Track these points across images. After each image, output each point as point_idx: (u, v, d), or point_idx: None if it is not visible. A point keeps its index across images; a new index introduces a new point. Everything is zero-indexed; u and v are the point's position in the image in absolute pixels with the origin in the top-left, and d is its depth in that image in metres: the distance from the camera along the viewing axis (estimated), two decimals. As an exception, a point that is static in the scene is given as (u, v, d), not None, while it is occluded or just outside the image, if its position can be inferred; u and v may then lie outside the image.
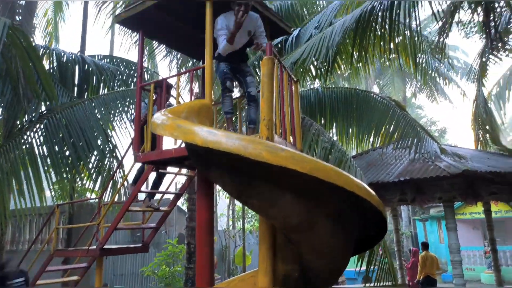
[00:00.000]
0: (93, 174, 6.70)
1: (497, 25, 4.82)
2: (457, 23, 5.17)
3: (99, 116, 6.73)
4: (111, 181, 6.34)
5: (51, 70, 7.78)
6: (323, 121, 7.63)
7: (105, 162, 6.68)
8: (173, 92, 4.68)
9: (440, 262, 11.46)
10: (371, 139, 7.40)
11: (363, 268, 7.46)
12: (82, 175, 6.81)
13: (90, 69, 7.87)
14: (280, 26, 4.54)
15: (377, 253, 5.57)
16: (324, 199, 2.46)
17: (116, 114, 7.18)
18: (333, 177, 2.27)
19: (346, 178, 2.35)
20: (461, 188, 6.26)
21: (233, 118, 4.90)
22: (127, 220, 7.52)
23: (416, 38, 5.93)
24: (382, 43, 5.83)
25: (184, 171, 5.18)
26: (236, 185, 2.54)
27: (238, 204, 16.28)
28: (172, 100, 4.95)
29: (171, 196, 5.47)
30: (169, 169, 4.81)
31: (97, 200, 5.92)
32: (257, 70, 6.94)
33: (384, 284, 7.37)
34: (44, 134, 6.20)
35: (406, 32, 5.72)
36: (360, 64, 6.85)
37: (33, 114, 6.44)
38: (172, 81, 4.93)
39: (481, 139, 7.87)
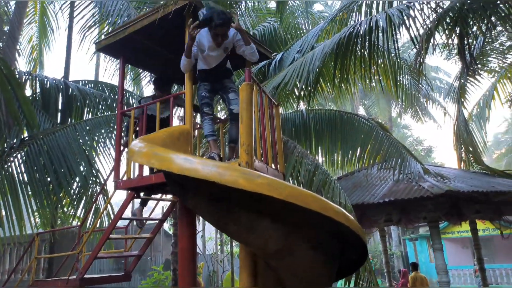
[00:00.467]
0: (75, 200, 6.57)
1: (471, 50, 4.97)
2: (433, 46, 5.31)
3: (81, 142, 6.65)
4: (93, 207, 6.22)
5: (35, 96, 7.73)
6: (308, 143, 7.66)
7: (88, 188, 6.58)
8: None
9: (431, 282, 11.39)
10: (356, 160, 7.44)
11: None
12: (64, 202, 6.67)
13: (74, 94, 7.83)
14: (261, 51, 4.61)
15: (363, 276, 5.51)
16: (302, 225, 2.44)
17: (100, 140, 7.12)
18: (310, 203, 2.26)
19: (323, 203, 2.34)
20: (445, 208, 6.30)
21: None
22: (111, 248, 7.37)
23: (395, 61, 6.08)
24: (363, 66, 5.94)
25: (167, 196, 5.12)
26: (213, 212, 2.51)
27: (226, 227, 15.92)
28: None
29: (155, 222, 5.38)
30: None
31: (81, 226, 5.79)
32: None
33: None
34: (25, 161, 6.09)
35: (385, 56, 5.86)
36: (343, 86, 6.95)
37: (14, 141, 6.35)
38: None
39: (464, 158, 7.98)
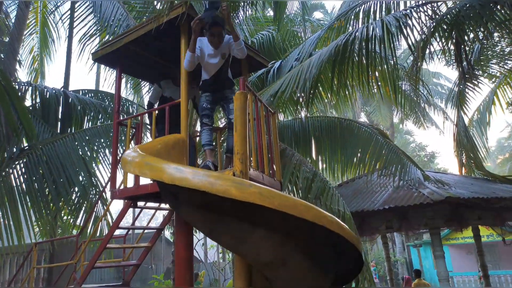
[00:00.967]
0: (74, 210, 6.57)
1: (469, 57, 4.95)
2: (431, 54, 5.30)
3: (81, 151, 6.67)
4: (92, 216, 6.22)
5: (35, 106, 7.77)
6: (307, 151, 7.64)
7: (87, 198, 6.58)
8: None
9: (434, 289, 11.28)
10: (356, 167, 7.41)
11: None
12: (63, 212, 6.68)
13: (73, 104, 7.86)
14: (258, 60, 4.62)
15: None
16: (295, 235, 2.41)
17: (99, 149, 7.14)
18: (302, 212, 2.24)
19: (316, 212, 2.32)
20: (445, 214, 6.25)
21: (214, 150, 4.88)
22: (111, 256, 7.35)
23: (393, 68, 6.08)
24: (361, 71, 5.94)
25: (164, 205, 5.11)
26: (205, 222, 2.49)
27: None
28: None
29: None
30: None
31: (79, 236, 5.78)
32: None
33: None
34: (24, 171, 6.11)
35: (383, 63, 5.86)
36: (342, 93, 6.95)
37: (14, 151, 6.37)
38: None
39: (465, 164, 7.93)
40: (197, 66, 3.68)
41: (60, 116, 7.90)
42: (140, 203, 4.48)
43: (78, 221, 6.63)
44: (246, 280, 2.82)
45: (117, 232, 5.07)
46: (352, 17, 6.54)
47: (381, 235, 9.39)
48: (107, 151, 7.13)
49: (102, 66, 11.84)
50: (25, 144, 6.70)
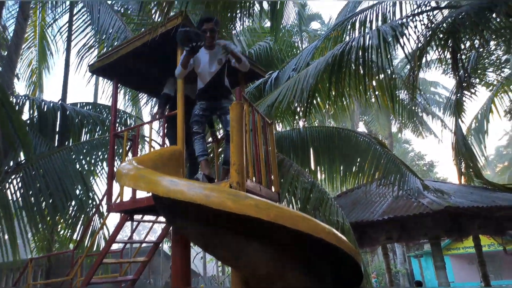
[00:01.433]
0: (71, 224, 6.50)
1: (465, 65, 4.96)
2: (427, 62, 5.31)
3: (78, 165, 6.62)
4: (89, 230, 6.15)
5: (32, 119, 7.75)
6: (306, 160, 7.61)
7: (84, 211, 6.51)
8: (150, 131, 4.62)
9: (437, 301, 11.14)
10: (355, 177, 7.37)
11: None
12: (60, 226, 6.61)
13: (71, 116, 7.85)
14: (255, 70, 4.62)
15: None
16: (292, 246, 2.36)
17: (97, 162, 7.10)
18: (298, 224, 2.19)
19: (313, 224, 2.27)
20: (445, 224, 6.19)
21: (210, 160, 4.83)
22: (108, 271, 7.24)
23: (391, 77, 6.08)
24: (357, 81, 5.94)
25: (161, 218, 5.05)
26: (201, 235, 2.45)
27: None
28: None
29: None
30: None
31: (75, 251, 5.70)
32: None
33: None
34: (20, 186, 6.05)
35: (380, 72, 5.87)
36: (339, 102, 6.94)
37: (11, 164, 6.33)
38: (146, 127, 4.90)
39: (464, 173, 7.89)
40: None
41: (57, 129, 7.87)
42: (138, 216, 4.42)
43: (75, 235, 6.56)
44: (243, 295, 2.75)
45: (114, 246, 5.00)
46: (349, 26, 6.57)
47: (381, 246, 9.30)
48: (104, 163, 7.09)
49: (101, 78, 11.88)
50: (22, 158, 6.65)
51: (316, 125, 9.07)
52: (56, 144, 7.73)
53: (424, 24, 5.23)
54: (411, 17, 5.37)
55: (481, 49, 5.43)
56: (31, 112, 7.82)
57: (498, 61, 8.25)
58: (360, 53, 5.20)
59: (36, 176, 6.09)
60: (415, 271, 20.26)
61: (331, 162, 7.59)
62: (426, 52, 4.86)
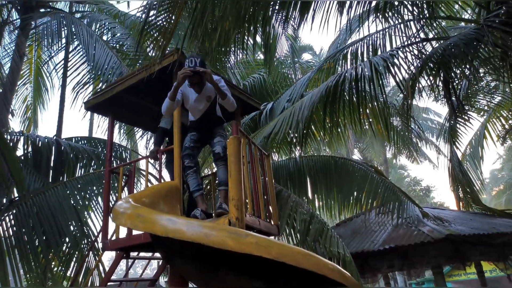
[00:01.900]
0: (64, 262, 6.33)
1: (457, 93, 5.06)
2: (420, 91, 5.40)
3: (72, 200, 6.52)
4: (83, 268, 5.98)
5: (27, 155, 7.69)
6: (303, 190, 7.57)
7: (78, 249, 6.36)
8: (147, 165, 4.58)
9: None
10: (353, 206, 7.32)
11: None
12: (53, 263, 6.43)
13: (66, 152, 7.80)
14: (250, 103, 4.66)
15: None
16: (296, 284, 2.30)
17: (92, 197, 7.00)
18: (301, 261, 2.14)
19: (315, 261, 2.22)
20: (447, 252, 6.11)
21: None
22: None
23: (384, 106, 6.16)
24: (352, 111, 6.01)
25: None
26: (200, 274, 2.38)
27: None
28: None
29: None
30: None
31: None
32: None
33: None
34: (13, 223, 5.92)
35: (374, 101, 5.95)
36: (334, 132, 6.99)
37: (4, 202, 6.22)
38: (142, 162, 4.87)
39: (462, 199, 7.87)
40: None
41: (52, 165, 7.79)
42: (134, 253, 4.32)
43: (69, 272, 6.38)
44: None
45: (109, 283, 4.85)
46: (341, 58, 6.72)
47: (383, 275, 9.12)
48: (99, 198, 6.99)
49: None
50: (15, 195, 6.55)
51: (312, 153, 9.08)
52: (50, 180, 7.64)
53: (414, 54, 5.36)
54: (401, 48, 5.51)
55: (471, 78, 5.54)
56: (25, 147, 7.78)
57: (487, 87, 8.43)
58: (354, 84, 5.29)
59: (30, 213, 5.97)
60: (417, 299, 19.81)
61: (329, 191, 7.56)
62: (418, 81, 4.95)
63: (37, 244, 5.96)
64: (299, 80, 7.25)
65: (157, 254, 4.89)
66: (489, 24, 4.57)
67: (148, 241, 3.37)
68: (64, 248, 6.25)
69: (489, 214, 7.54)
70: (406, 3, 5.19)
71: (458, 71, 5.00)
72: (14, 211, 5.95)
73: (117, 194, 5.01)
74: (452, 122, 6.95)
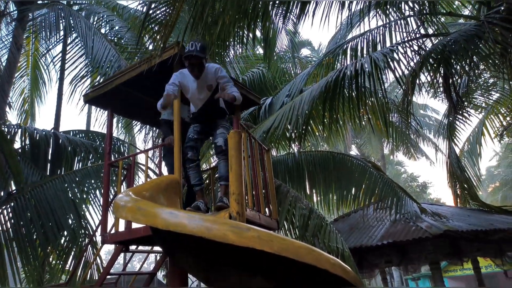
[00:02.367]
0: (63, 255, 6.33)
1: (457, 88, 5.05)
2: (419, 86, 5.40)
3: (70, 193, 6.51)
4: (82, 261, 5.98)
5: (25, 148, 7.65)
6: (301, 185, 7.58)
7: (77, 242, 6.35)
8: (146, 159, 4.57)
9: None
10: (352, 201, 7.34)
11: None
12: (51, 257, 6.42)
13: (63, 145, 7.76)
14: (250, 98, 4.64)
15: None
16: (297, 278, 2.30)
17: (90, 190, 6.98)
18: (303, 256, 2.14)
19: (317, 255, 2.22)
20: (445, 248, 6.14)
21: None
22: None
23: (383, 101, 6.16)
24: (351, 107, 6.01)
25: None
26: (201, 269, 2.38)
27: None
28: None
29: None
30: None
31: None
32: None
33: None
34: (11, 216, 5.90)
35: (373, 97, 5.95)
36: (333, 127, 6.99)
37: (1, 195, 6.20)
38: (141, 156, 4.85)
39: (459, 195, 7.91)
40: None
41: (50, 158, 7.76)
42: (132, 246, 4.32)
43: (67, 266, 6.38)
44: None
45: (108, 277, 4.86)
46: (340, 53, 6.70)
47: (380, 270, 9.17)
48: (97, 192, 6.97)
49: (93, 106, 11.86)
50: (13, 188, 6.52)
51: (309, 149, 9.09)
52: (48, 173, 7.60)
53: (414, 50, 5.35)
54: (401, 44, 5.50)
55: (471, 74, 5.55)
56: (22, 140, 7.73)
57: (485, 84, 8.44)
58: (353, 80, 5.28)
59: (28, 206, 5.95)
60: (412, 294, 19.97)
61: (327, 186, 7.57)
62: (418, 76, 4.95)
63: (35, 237, 5.95)
64: (299, 75, 7.23)
65: (156, 248, 4.90)
66: (489, 20, 4.57)
67: (148, 235, 3.37)
68: (62, 241, 6.25)
69: (487, 210, 7.59)
70: (407, -1, 5.18)
71: (458, 67, 5.00)
72: (12, 204, 5.92)
73: (116, 188, 4.99)
74: (451, 118, 6.96)
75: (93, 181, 6.99)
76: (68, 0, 10.45)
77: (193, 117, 3.60)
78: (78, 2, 10.76)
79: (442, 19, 6.89)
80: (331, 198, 7.41)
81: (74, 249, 6.38)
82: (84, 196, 6.74)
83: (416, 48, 5.34)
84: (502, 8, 4.81)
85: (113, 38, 8.91)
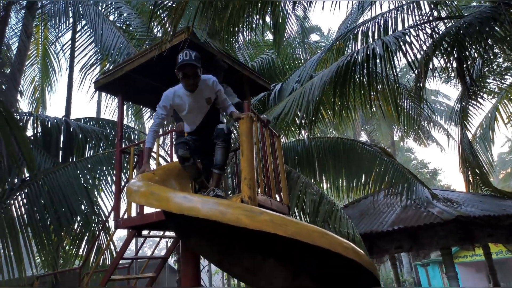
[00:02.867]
0: (76, 240, 6.45)
1: (471, 72, 4.95)
2: (432, 71, 5.30)
3: (82, 180, 6.59)
4: (95, 246, 6.09)
5: (36, 136, 7.74)
6: (311, 172, 7.57)
7: (89, 227, 6.46)
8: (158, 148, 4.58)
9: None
10: (362, 187, 7.32)
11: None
12: (65, 242, 6.55)
13: (75, 132, 7.83)
14: (259, 83, 4.61)
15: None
16: (310, 262, 2.31)
17: (102, 177, 7.06)
18: (316, 239, 2.14)
19: (330, 239, 2.23)
20: (456, 233, 6.11)
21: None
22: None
23: (394, 86, 6.08)
24: (362, 93, 5.95)
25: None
26: (215, 252, 2.40)
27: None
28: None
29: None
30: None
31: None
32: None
33: None
34: (25, 202, 6.01)
35: (384, 82, 5.87)
36: (344, 113, 6.94)
37: (15, 182, 6.30)
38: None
39: (471, 181, 7.83)
40: None
41: (61, 145, 7.85)
42: (145, 231, 4.37)
43: (81, 251, 6.51)
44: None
45: (120, 261, 4.94)
46: (351, 38, 6.60)
47: (390, 256, 9.18)
48: (109, 178, 7.05)
49: (103, 94, 11.91)
50: (26, 175, 6.63)
51: (319, 135, 9.04)
52: (60, 160, 7.70)
53: (427, 33, 5.24)
54: (414, 27, 5.39)
55: (486, 57, 5.42)
56: (34, 127, 7.82)
57: (498, 68, 8.26)
58: (365, 64, 5.21)
59: (41, 192, 6.05)
60: (422, 280, 20.00)
61: (337, 172, 7.55)
62: (431, 60, 4.86)
63: (49, 222, 6.06)
64: (308, 61, 7.14)
65: (168, 233, 4.96)
66: (506, 1, 4.45)
67: (160, 220, 3.40)
68: (75, 226, 6.35)
69: (499, 196, 7.52)
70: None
71: (473, 51, 4.89)
72: (26, 190, 6.03)
73: (128, 174, 5.04)
74: (464, 103, 6.85)
75: (104, 168, 7.07)
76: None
77: (190, 132, 3.27)
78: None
79: (456, 2, 6.74)
80: (341, 185, 7.39)
81: (87, 235, 6.50)
82: (96, 182, 6.82)
83: (429, 31, 5.24)
84: (519, -12, 4.67)
85: (121, 25, 8.88)
